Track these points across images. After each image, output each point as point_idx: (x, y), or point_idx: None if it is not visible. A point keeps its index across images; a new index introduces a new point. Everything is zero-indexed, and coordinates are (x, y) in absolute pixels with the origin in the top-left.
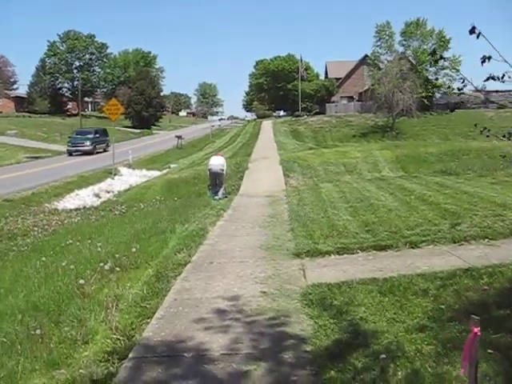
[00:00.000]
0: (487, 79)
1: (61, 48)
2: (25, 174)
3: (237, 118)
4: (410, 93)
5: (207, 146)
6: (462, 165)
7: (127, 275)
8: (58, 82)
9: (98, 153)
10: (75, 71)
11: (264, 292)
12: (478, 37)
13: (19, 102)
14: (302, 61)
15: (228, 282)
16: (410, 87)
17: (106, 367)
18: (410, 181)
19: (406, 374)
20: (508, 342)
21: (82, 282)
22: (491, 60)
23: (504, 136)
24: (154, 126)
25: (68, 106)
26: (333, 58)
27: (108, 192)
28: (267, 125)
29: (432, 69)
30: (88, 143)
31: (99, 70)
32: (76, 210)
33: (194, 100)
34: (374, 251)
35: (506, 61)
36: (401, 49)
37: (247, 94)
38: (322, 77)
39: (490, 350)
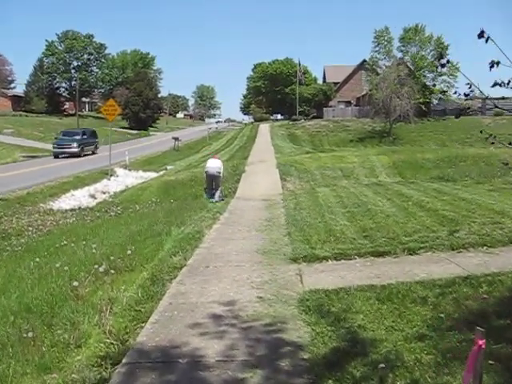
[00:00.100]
0: (494, 85)
1: (59, 48)
2: (20, 174)
3: (234, 121)
4: (407, 98)
5: (204, 148)
6: (459, 171)
7: (122, 278)
8: (55, 81)
9: (85, 155)
10: (73, 71)
11: (260, 297)
12: (486, 41)
13: (16, 101)
14: (300, 65)
15: (224, 287)
16: (408, 93)
17: (98, 372)
18: (407, 187)
19: None
20: (509, 353)
21: (75, 284)
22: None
23: (510, 143)
24: (151, 127)
25: (65, 106)
26: (331, 63)
27: (104, 193)
28: (264, 128)
29: (430, 75)
30: (75, 145)
31: (97, 70)
32: (71, 210)
33: (191, 102)
34: (372, 257)
35: None
36: (399, 54)
37: (245, 97)
38: (320, 81)
39: (490, 361)
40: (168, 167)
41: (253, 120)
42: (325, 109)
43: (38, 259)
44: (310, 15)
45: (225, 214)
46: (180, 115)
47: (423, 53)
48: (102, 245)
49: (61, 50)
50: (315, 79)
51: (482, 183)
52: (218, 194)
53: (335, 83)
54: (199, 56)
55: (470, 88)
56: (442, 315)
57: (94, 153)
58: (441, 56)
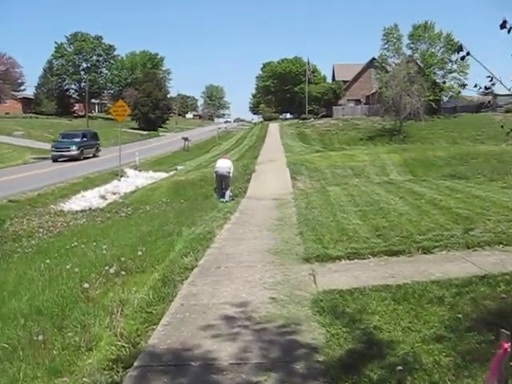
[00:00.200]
0: None
1: (68, 49)
2: (31, 175)
3: (243, 121)
4: (417, 96)
5: (214, 148)
6: (471, 169)
7: (133, 279)
8: (65, 83)
9: (86, 158)
10: (82, 73)
11: (273, 298)
12: (509, 31)
13: (26, 103)
14: (309, 63)
15: (236, 288)
16: (418, 90)
17: (110, 376)
18: (419, 184)
19: None
20: None
21: (86, 285)
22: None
23: None
24: (161, 127)
25: (75, 108)
26: (340, 61)
27: (114, 194)
28: (274, 127)
29: (440, 72)
30: (74, 148)
31: (106, 71)
32: (82, 211)
33: (200, 102)
34: (386, 256)
35: None
36: (408, 52)
37: (254, 96)
38: (329, 79)
39: None
40: (178, 167)
41: (262, 119)
42: (334, 107)
43: (48, 261)
44: (318, 14)
45: (236, 214)
46: (189, 115)
47: (433, 50)
48: (112, 246)
49: (70, 51)
50: (324, 78)
51: (496, 180)
52: (228, 193)
53: (344, 81)
54: (208, 56)
55: (491, 81)
56: (460, 316)
57: (95, 156)
58: (460, 48)
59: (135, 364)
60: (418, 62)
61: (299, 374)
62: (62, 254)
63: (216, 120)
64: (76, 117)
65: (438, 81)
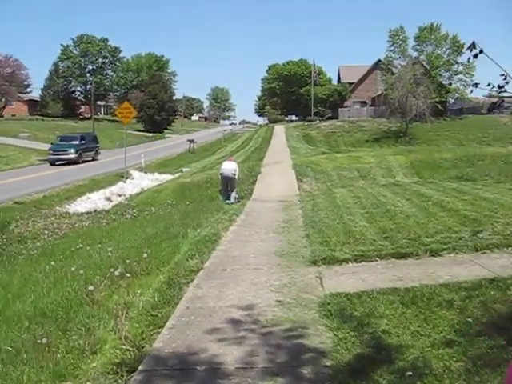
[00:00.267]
0: None
1: (74, 52)
2: (37, 177)
3: (248, 123)
4: (423, 98)
5: (219, 150)
6: (478, 171)
7: (138, 281)
8: (71, 85)
9: (85, 161)
10: (88, 75)
11: (280, 301)
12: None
13: (32, 105)
14: (314, 65)
15: (242, 290)
16: (424, 92)
17: (114, 380)
18: (426, 186)
19: None
20: None
21: (91, 288)
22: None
23: None
24: (167, 129)
25: (81, 110)
26: (345, 63)
27: (119, 195)
28: (279, 129)
29: (446, 74)
30: (72, 151)
31: (112, 73)
32: (87, 213)
33: (206, 104)
34: (393, 259)
35: None
36: (414, 53)
37: (259, 98)
38: (335, 81)
39: None
40: (184, 169)
41: (267, 121)
42: (340, 109)
43: (53, 263)
44: (324, 15)
45: (241, 216)
46: (195, 117)
47: (439, 51)
48: (117, 248)
49: (76, 53)
50: (330, 80)
51: (503, 182)
52: (233, 195)
53: (350, 83)
54: (214, 58)
55: (505, 79)
56: (470, 319)
57: (94, 159)
58: (473, 46)
59: (140, 368)
60: (424, 63)
61: (306, 378)
62: (67, 255)
63: (221, 122)
64: (82, 119)
65: (444, 82)
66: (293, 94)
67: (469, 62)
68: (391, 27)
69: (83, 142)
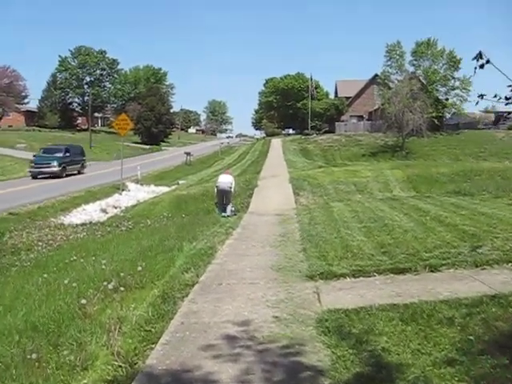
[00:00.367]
0: None
1: (72, 63)
2: (34, 187)
3: (245, 136)
4: (420, 113)
5: (216, 162)
6: (475, 185)
7: (132, 295)
8: (68, 96)
9: (69, 175)
10: (86, 86)
11: (276, 317)
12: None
13: (30, 116)
14: (311, 79)
15: (238, 306)
16: (421, 107)
17: None
18: (423, 201)
19: None
20: None
21: (84, 301)
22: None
23: None
24: (163, 142)
25: (78, 121)
26: (343, 77)
27: (115, 207)
28: (276, 143)
29: (442, 89)
30: (55, 164)
31: (110, 85)
32: (82, 225)
33: (203, 117)
34: (392, 274)
35: None
36: (411, 68)
37: (256, 112)
38: (332, 96)
39: None
40: (180, 182)
41: (264, 135)
42: (337, 123)
43: (46, 275)
44: (321, 30)
45: (238, 229)
46: (192, 130)
47: (435, 67)
48: (112, 260)
49: (74, 65)
50: (327, 94)
51: (501, 197)
52: (229, 208)
53: (347, 98)
54: (211, 72)
55: None
56: (472, 337)
57: (80, 172)
58: (480, 55)
59: None
60: (421, 78)
61: None
62: (61, 268)
63: (218, 135)
64: (79, 130)
65: (440, 97)
66: (290, 108)
67: (475, 71)
68: (388, 42)
69: (67, 154)
